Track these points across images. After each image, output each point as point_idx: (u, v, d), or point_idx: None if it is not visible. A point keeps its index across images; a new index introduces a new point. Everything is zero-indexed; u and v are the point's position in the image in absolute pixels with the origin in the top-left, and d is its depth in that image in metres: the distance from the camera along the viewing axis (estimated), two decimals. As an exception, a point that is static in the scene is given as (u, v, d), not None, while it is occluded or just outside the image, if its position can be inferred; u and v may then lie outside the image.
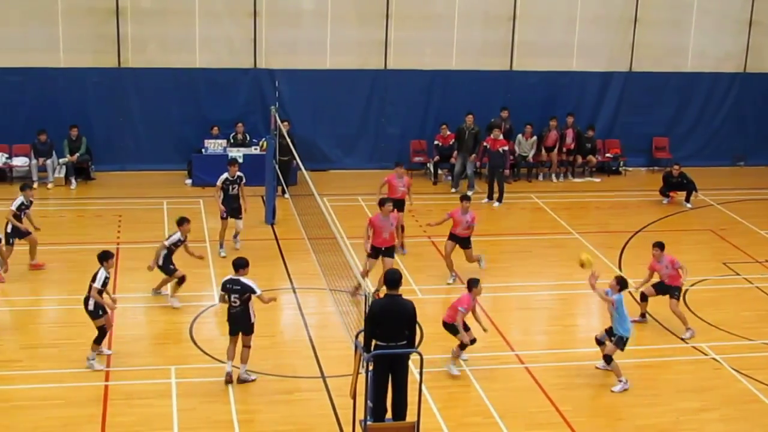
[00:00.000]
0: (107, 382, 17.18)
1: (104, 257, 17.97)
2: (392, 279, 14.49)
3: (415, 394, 14.27)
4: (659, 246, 19.94)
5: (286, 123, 27.27)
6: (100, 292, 17.50)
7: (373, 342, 14.20)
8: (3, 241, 21.74)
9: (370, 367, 14.11)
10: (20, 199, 22.06)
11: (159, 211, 26.28)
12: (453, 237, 22.21)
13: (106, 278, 17.75)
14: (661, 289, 19.99)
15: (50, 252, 22.82)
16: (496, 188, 27.83)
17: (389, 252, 20.93)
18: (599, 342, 17.96)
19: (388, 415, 14.52)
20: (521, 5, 30.90)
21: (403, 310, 14.30)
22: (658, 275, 20.00)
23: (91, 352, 17.61)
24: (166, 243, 20.56)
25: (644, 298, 20.29)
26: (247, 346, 17.22)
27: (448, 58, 30.98)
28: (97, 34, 29.45)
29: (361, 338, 14.51)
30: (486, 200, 27.92)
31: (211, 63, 29.99)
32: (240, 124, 29.41)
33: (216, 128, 29.44)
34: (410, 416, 14.41)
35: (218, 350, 18.23)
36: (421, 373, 14.12)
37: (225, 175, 23.50)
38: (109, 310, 17.78)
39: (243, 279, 17.06)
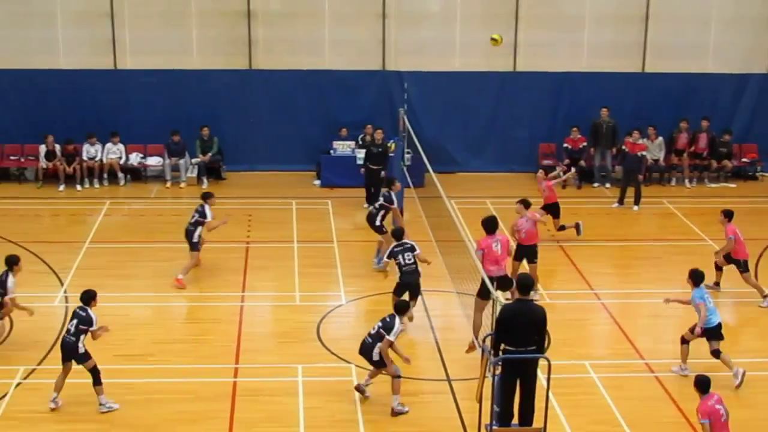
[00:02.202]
0: (235, 378, 17.42)
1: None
2: (524, 284, 14.38)
3: (542, 399, 14.16)
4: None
5: (380, 131, 27.34)
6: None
7: (502, 346, 14.10)
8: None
9: (497, 372, 14.04)
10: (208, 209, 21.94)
11: (288, 212, 26.57)
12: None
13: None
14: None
15: (180, 250, 23.20)
16: (629, 193, 27.39)
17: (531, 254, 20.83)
18: (684, 341, 17.94)
19: (514, 420, 14.43)
20: (654, 5, 30.40)
21: (533, 316, 14.18)
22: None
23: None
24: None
25: (719, 267, 21.40)
26: (392, 376, 16.39)
27: (578, 60, 30.68)
28: (229, 37, 29.96)
29: (488, 342, 14.44)
30: (616, 205, 27.51)
31: (339, 65, 30.22)
32: (369, 126, 29.53)
33: (344, 130, 29.65)
34: (536, 422, 14.30)
35: (345, 350, 18.34)
36: (548, 379, 14.00)
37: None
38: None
39: (397, 320, 16.42)
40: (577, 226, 24.17)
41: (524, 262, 20.89)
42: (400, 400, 16.30)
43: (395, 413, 16.22)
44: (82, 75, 29.63)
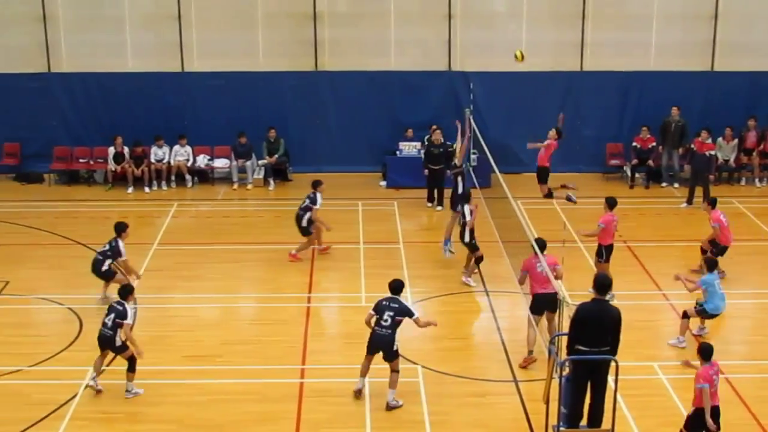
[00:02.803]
0: (302, 379, 17.51)
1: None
2: (602, 284, 14.29)
3: (610, 401, 14.06)
4: None
5: (438, 132, 27.29)
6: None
7: (576, 346, 13.98)
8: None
9: (565, 373, 13.97)
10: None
11: (354, 213, 26.65)
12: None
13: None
14: None
15: (247, 251, 23.40)
16: (697, 193, 27.10)
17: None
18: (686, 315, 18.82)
19: (583, 422, 14.35)
20: (723, 4, 30.06)
21: (609, 316, 14.08)
22: None
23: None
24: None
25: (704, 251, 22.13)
26: (394, 370, 16.65)
27: (646, 59, 30.42)
28: (295, 39, 30.11)
29: (555, 343, 14.39)
30: (684, 205, 27.25)
31: (405, 66, 30.26)
32: (434, 127, 29.53)
33: (410, 131, 29.67)
34: (605, 424, 14.22)
35: (411, 351, 18.35)
36: (616, 380, 13.92)
37: None
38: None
39: (402, 300, 16.89)
40: (568, 198, 24.29)
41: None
42: (396, 396, 16.56)
43: (390, 407, 16.49)
44: (150, 78, 29.96)
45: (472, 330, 20.22)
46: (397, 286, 16.89)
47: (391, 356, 16.57)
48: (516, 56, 24.31)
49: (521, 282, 18.47)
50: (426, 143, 29.06)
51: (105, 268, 20.30)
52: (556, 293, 16.99)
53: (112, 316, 16.75)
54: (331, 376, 17.72)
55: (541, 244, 18.30)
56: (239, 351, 18.65)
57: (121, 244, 20.22)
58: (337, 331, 19.74)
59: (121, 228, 20.48)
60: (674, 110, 29.00)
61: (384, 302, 16.71)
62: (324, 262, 23.14)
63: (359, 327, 19.50)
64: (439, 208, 27.12)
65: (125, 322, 16.75)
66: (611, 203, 21.46)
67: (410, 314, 16.59)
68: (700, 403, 14.40)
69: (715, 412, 14.53)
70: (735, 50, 30.38)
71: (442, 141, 27.27)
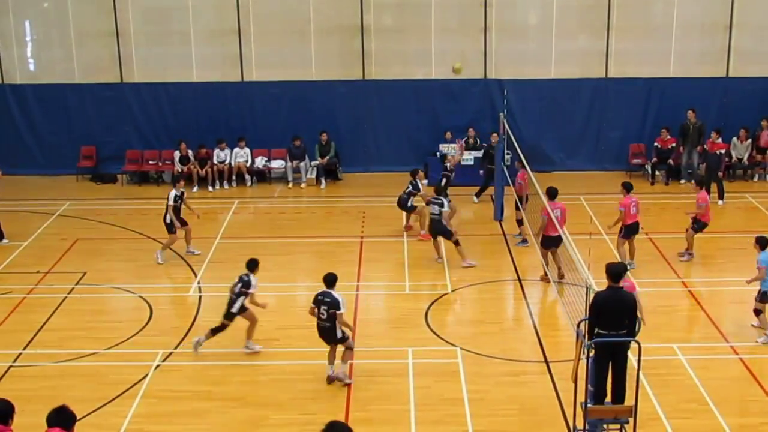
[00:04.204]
0: (352, 360, 17.52)
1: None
2: (615, 272, 14.24)
3: (633, 380, 14.00)
4: None
5: (495, 135, 27.18)
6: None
7: (595, 330, 14.00)
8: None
9: (591, 354, 13.93)
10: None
11: (398, 209, 26.56)
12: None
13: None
14: None
15: (301, 244, 23.44)
16: (713, 189, 26.87)
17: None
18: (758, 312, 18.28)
19: (607, 398, 14.31)
20: (738, 14, 29.77)
21: (623, 302, 14.03)
22: None
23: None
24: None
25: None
26: (348, 348, 16.68)
27: (666, 67, 30.18)
28: (344, 50, 30.15)
29: (582, 326, 14.35)
30: (701, 201, 27.08)
31: (445, 74, 30.18)
32: (471, 130, 29.54)
33: (449, 133, 29.64)
34: (628, 400, 14.15)
35: (451, 335, 18.48)
36: (639, 361, 13.84)
37: None
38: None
39: (334, 293, 16.42)
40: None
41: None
42: (347, 371, 16.69)
43: (331, 380, 16.59)
44: (212, 87, 30.12)
45: (506, 315, 20.18)
46: (330, 280, 16.47)
47: (339, 341, 16.57)
48: (454, 69, 24.87)
49: (544, 225, 20.31)
50: (485, 146, 29.11)
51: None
52: (560, 236, 19.52)
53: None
54: (378, 357, 17.74)
55: (552, 192, 20.56)
56: (295, 335, 18.71)
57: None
58: (383, 316, 19.76)
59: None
60: (690, 114, 28.79)
61: (319, 296, 16.41)
62: (371, 254, 23.16)
63: (403, 313, 19.69)
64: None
65: (250, 291, 17.48)
66: (628, 187, 21.89)
67: (337, 308, 16.25)
68: None
69: None
70: (749, 57, 30.05)
71: (498, 143, 27.08)
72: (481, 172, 27.55)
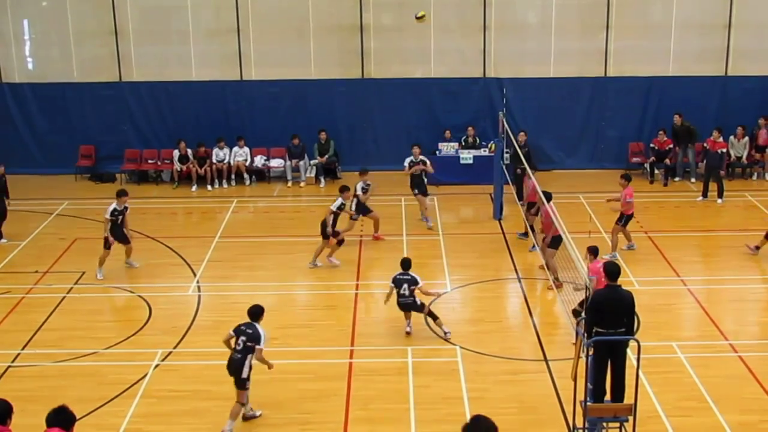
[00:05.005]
0: (351, 359, 17.54)
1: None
2: (612, 271, 14.27)
3: (633, 378, 13.99)
4: None
5: (523, 134, 27.10)
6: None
7: (594, 329, 13.99)
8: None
9: (591, 352, 13.92)
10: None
11: (398, 207, 26.62)
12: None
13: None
14: None
15: (301, 243, 23.40)
16: (712, 187, 26.93)
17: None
18: None
19: (607, 397, 14.30)
20: (737, 13, 29.77)
21: (622, 300, 14.04)
22: None
23: None
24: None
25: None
26: (239, 402, 15.09)
27: (664, 65, 30.17)
28: (343, 49, 30.15)
29: (581, 325, 14.33)
30: (700, 198, 27.02)
31: (444, 73, 30.21)
32: (471, 128, 29.54)
33: (448, 132, 29.65)
34: (627, 398, 14.14)
35: (451, 333, 18.37)
36: (638, 359, 13.83)
37: None
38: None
39: (258, 326, 15.06)
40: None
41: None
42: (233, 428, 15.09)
43: (247, 418, 15.37)
44: (212, 86, 30.12)
45: (506, 314, 20.15)
46: (254, 312, 15.17)
47: (239, 383, 14.99)
48: (417, 17, 25.11)
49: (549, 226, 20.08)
50: (464, 143, 29.27)
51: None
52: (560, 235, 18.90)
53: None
54: (378, 356, 17.73)
55: (548, 195, 20.18)
56: (294, 334, 18.70)
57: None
58: (383, 315, 19.69)
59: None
60: (676, 118, 29.02)
61: (242, 326, 15.05)
62: (370, 253, 23.16)
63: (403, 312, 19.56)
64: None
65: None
66: (628, 178, 22.34)
67: (258, 342, 14.84)
68: None
69: None
70: (747, 56, 30.05)
71: (525, 142, 27.00)
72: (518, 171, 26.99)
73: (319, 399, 16.16)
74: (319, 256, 22.27)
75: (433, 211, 26.22)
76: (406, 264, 18.59)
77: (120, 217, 21.49)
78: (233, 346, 15.07)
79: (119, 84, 30.22)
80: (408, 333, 18.55)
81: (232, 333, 15.12)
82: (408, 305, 18.35)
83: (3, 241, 24.04)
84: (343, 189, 22.73)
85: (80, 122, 30.40)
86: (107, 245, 21.46)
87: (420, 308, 18.35)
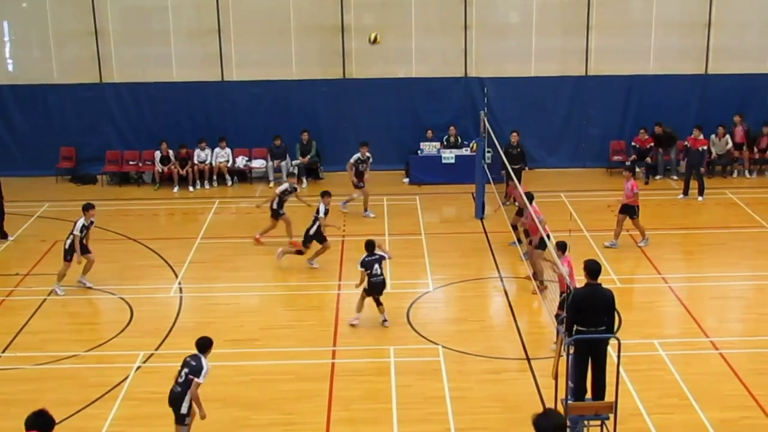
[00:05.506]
0: (334, 360, 17.52)
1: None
2: (593, 269, 14.30)
3: (614, 376, 14.02)
4: None
5: (515, 134, 27.09)
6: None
7: (575, 327, 14.02)
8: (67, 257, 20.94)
9: (572, 351, 13.95)
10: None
11: (380, 207, 26.58)
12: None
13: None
14: None
15: (283, 244, 23.34)
16: (693, 185, 27.05)
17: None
18: None
19: (588, 395, 14.33)
20: (716, 12, 29.89)
21: (603, 298, 14.07)
22: None
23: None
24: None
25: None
26: None
27: (645, 64, 30.26)
28: (325, 49, 30.11)
29: (563, 324, 14.36)
30: (681, 196, 27.15)
31: (426, 72, 30.22)
32: (452, 128, 29.57)
33: (430, 131, 29.67)
34: (608, 396, 14.18)
35: (433, 333, 18.45)
36: (618, 357, 13.87)
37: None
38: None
39: (203, 359, 14.06)
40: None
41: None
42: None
43: None
44: (193, 86, 30.03)
45: (488, 313, 20.16)
46: (201, 344, 14.24)
47: (178, 419, 14.01)
48: (370, 39, 25.16)
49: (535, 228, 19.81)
50: (446, 143, 29.31)
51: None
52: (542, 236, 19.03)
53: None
54: (360, 356, 17.73)
55: (529, 196, 20.35)
56: (276, 335, 18.68)
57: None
58: (365, 315, 19.65)
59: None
60: (657, 128, 29.30)
61: (188, 358, 14.12)
62: (353, 253, 23.05)
63: (387, 311, 19.56)
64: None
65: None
66: (632, 169, 23.97)
67: (197, 375, 13.81)
68: None
69: None
70: (727, 55, 30.18)
71: (518, 142, 27.00)
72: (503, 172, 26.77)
73: (301, 400, 16.13)
74: (318, 257, 22.24)
75: (413, 211, 26.24)
76: (370, 246, 18.97)
77: (86, 231, 20.99)
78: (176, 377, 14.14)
79: (100, 85, 30.09)
80: (385, 323, 18.69)
81: (181, 365, 14.25)
82: (382, 283, 18.83)
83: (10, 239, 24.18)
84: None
85: (61, 124, 30.26)
86: (68, 257, 20.81)
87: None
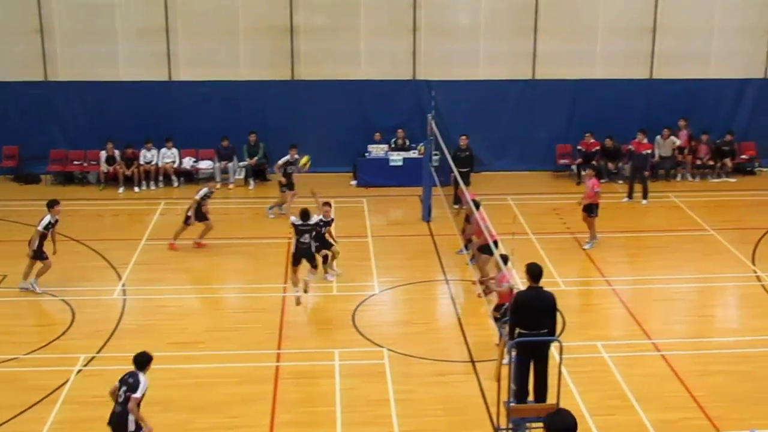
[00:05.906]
0: (278, 363, 17.42)
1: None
2: (534, 272, 14.34)
3: (556, 378, 14.07)
4: None
5: (464, 138, 27.13)
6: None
7: (517, 330, 14.05)
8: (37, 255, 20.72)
9: (514, 353, 13.97)
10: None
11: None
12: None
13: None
14: None
15: (231, 245, 23.24)
16: (637, 188, 27.28)
17: None
18: None
19: (530, 397, 14.36)
20: (661, 18, 30.16)
21: (544, 301, 14.12)
22: None
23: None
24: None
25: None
26: None
27: (591, 68, 30.45)
28: (274, 50, 29.96)
29: (505, 327, 14.39)
30: (626, 199, 27.39)
31: (374, 75, 30.18)
32: (401, 130, 29.56)
33: (378, 134, 29.65)
34: (551, 399, 14.22)
35: (378, 335, 18.40)
36: (560, 359, 13.91)
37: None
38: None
39: (140, 376, 13.59)
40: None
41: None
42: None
43: None
44: (139, 86, 29.71)
45: (434, 315, 20.15)
46: (139, 361, 13.76)
47: None
48: (301, 164, 25.85)
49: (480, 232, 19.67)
50: (393, 145, 29.34)
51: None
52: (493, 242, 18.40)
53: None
54: (305, 359, 17.60)
55: (476, 203, 20.61)
56: (221, 337, 18.52)
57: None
58: (310, 318, 19.63)
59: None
60: (608, 141, 29.52)
61: (126, 375, 13.60)
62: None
63: (331, 315, 19.64)
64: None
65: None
66: (595, 168, 24.64)
67: (134, 391, 13.33)
68: None
69: None
70: (672, 60, 30.48)
71: (467, 145, 27.01)
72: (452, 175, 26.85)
73: (245, 403, 16.02)
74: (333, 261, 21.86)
75: (360, 213, 26.23)
76: (305, 214, 20.11)
77: (51, 229, 20.80)
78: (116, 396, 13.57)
79: (45, 83, 29.69)
80: (327, 276, 20.64)
81: (117, 384, 13.63)
82: (304, 251, 19.89)
83: None
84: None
85: (4, 122, 29.75)
86: (43, 256, 20.67)
87: (312, 257, 19.99)
